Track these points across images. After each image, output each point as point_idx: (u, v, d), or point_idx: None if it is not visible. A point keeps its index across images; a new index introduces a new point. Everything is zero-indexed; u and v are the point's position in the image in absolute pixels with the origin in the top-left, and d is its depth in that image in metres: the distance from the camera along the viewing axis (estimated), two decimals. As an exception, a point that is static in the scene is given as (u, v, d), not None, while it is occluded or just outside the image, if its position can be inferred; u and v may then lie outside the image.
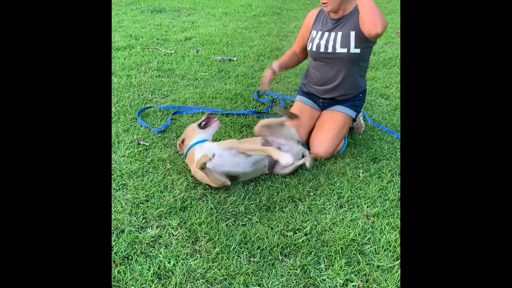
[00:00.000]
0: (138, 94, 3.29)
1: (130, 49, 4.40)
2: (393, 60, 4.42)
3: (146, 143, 2.58)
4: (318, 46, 2.53)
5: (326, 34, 2.51)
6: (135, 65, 3.89)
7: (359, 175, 2.38)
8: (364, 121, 3.02)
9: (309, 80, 2.73)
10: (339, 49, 2.45)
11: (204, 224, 1.94)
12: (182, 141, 2.37)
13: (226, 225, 1.95)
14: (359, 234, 1.93)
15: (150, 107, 3.04)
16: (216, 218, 1.99)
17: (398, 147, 2.75)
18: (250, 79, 3.73)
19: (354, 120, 2.70)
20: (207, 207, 2.07)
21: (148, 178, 2.28)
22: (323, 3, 2.42)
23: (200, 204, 2.08)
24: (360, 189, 2.27)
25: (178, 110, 3.02)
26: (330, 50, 2.48)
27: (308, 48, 2.62)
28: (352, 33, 2.42)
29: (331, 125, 2.56)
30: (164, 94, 3.34)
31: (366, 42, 2.42)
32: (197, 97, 3.30)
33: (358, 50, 2.44)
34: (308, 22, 2.67)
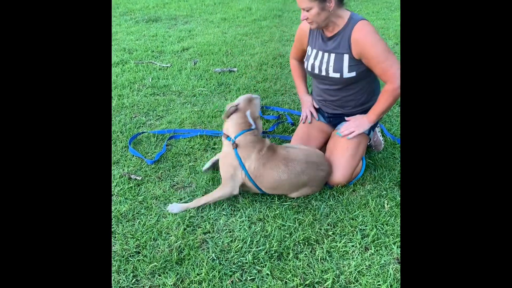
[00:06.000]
0: (131, 117, 2.99)
1: (123, 65, 4.10)
2: (407, 62, 4.08)
3: (138, 177, 2.27)
4: (313, 67, 2.26)
5: (320, 54, 2.22)
6: (127, 83, 3.60)
7: (384, 206, 2.05)
8: (382, 136, 2.69)
9: (313, 93, 2.46)
10: (331, 74, 2.19)
11: (205, 282, 1.63)
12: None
13: (232, 282, 1.64)
14: (391, 286, 1.61)
15: (142, 132, 2.73)
16: (219, 273, 1.67)
17: (424, 166, 2.41)
18: (252, 92, 3.42)
19: (369, 137, 2.36)
20: (208, 257, 1.75)
21: (139, 222, 1.97)
22: (307, 22, 2.10)
23: (199, 255, 1.77)
24: (387, 224, 1.94)
25: (174, 135, 2.71)
26: (323, 73, 2.22)
27: (305, 66, 2.35)
28: (346, 57, 2.12)
29: (345, 145, 2.24)
30: (159, 115, 3.04)
31: (361, 65, 2.13)
32: (195, 116, 2.99)
33: (353, 74, 2.15)
34: (302, 36, 2.36)
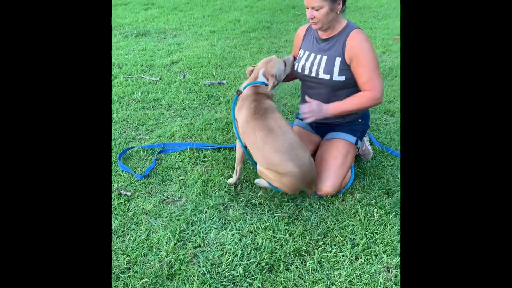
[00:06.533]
0: (120, 132, 2.99)
1: (113, 80, 4.10)
2: (394, 70, 4.13)
3: (128, 193, 2.26)
4: (303, 68, 2.30)
5: (312, 56, 2.27)
6: (117, 98, 3.60)
7: (373, 214, 2.07)
8: (371, 144, 2.71)
9: (301, 105, 2.48)
10: (321, 75, 2.22)
11: (195, 297, 1.62)
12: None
13: (222, 296, 1.64)
14: (382, 295, 1.61)
15: (132, 147, 2.73)
16: (210, 287, 1.67)
17: (412, 173, 2.43)
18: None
19: (357, 147, 2.38)
20: (199, 271, 1.75)
21: (130, 238, 1.96)
22: (312, 21, 2.14)
23: (190, 269, 1.76)
24: (377, 233, 1.95)
25: (163, 149, 2.71)
26: (313, 74, 2.25)
27: (295, 68, 2.38)
28: (338, 60, 2.17)
29: (333, 154, 2.26)
30: (148, 129, 3.04)
31: (351, 72, 2.16)
32: (185, 130, 3.00)
33: (342, 78, 2.18)
34: (297, 39, 2.45)
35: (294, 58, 2.39)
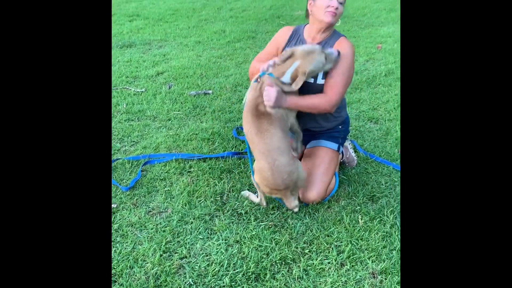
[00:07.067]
0: (105, 144, 2.97)
1: (97, 91, 4.09)
2: (377, 78, 4.20)
3: (113, 205, 2.25)
4: None
5: None
6: (102, 110, 3.58)
7: (358, 221, 2.09)
8: (355, 152, 2.74)
9: None
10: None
11: (182, 308, 1.62)
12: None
13: (209, 306, 1.63)
14: (367, 301, 1.63)
15: (117, 159, 2.72)
16: (196, 298, 1.66)
17: (395, 179, 2.47)
18: (227, 114, 3.45)
19: (339, 153, 2.40)
20: (185, 282, 1.75)
21: (115, 250, 1.95)
22: (332, 12, 2.10)
23: (176, 280, 1.76)
24: (362, 239, 1.97)
25: (149, 160, 2.71)
26: None
27: None
28: None
29: (316, 162, 2.28)
30: (133, 141, 3.03)
31: None
32: (171, 140, 2.99)
33: (323, 81, 2.19)
34: (280, 40, 2.36)
35: (339, 53, 2.11)
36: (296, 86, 2.03)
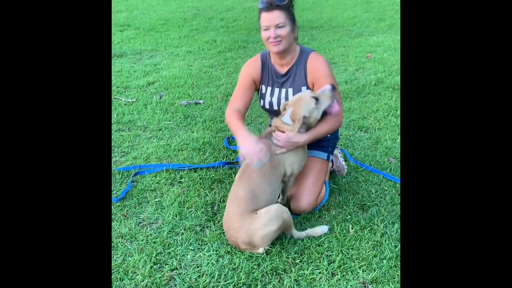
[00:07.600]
0: (95, 155, 2.96)
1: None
2: (367, 87, 4.24)
3: (103, 216, 2.23)
4: (271, 104, 2.32)
5: (277, 90, 2.29)
6: (92, 120, 3.57)
7: (349, 230, 2.10)
8: (345, 161, 2.76)
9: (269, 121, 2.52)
10: None
11: (172, 321, 1.60)
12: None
13: (199, 319, 1.62)
14: (358, 311, 1.63)
15: (107, 170, 2.71)
16: (186, 310, 1.65)
17: (386, 188, 2.49)
18: (218, 124, 3.46)
19: (328, 161, 2.41)
20: (176, 295, 1.73)
21: (104, 262, 1.93)
22: (276, 41, 2.10)
23: (167, 293, 1.74)
24: (352, 248, 1.97)
25: (139, 170, 2.70)
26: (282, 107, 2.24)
27: (261, 105, 2.39)
28: (303, 89, 2.23)
29: (305, 171, 2.29)
30: (124, 151, 3.02)
31: None
32: (161, 151, 2.99)
33: None
34: (253, 72, 2.31)
35: (334, 86, 2.05)
36: (292, 130, 2.02)
